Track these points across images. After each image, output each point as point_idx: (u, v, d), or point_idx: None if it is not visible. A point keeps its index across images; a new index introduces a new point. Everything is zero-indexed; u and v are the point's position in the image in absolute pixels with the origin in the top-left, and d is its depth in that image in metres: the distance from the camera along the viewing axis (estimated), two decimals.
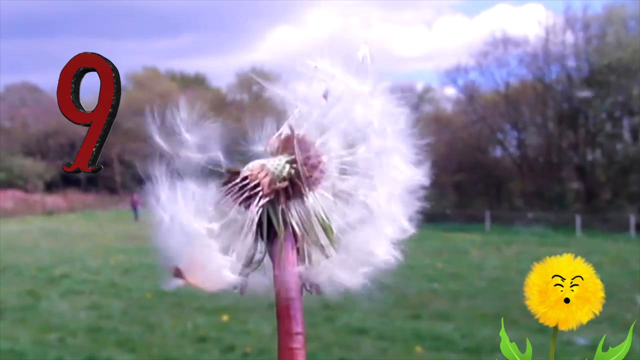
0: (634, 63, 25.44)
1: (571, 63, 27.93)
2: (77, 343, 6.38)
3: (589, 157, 28.35)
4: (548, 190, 27.57)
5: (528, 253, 15.23)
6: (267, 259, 0.71)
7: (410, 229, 0.76)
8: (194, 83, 38.90)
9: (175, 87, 34.06)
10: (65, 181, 31.42)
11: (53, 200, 29.82)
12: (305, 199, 0.70)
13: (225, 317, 7.01)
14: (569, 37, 27.98)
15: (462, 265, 12.57)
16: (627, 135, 27.68)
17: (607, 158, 27.30)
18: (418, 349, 5.92)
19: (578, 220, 22.74)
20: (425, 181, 0.77)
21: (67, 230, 20.01)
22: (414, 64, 63.82)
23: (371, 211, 0.72)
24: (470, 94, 31.44)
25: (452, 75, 32.22)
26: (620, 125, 27.89)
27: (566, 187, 28.59)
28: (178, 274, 0.66)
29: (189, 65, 66.06)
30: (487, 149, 31.50)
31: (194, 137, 0.70)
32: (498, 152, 31.86)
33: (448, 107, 35.73)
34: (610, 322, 7.08)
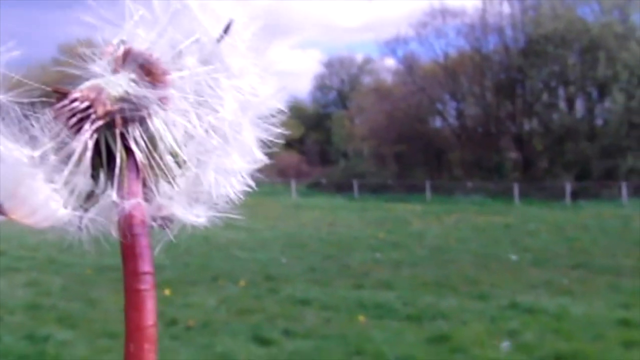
0: (569, 33, 25.95)
1: (508, 34, 28.40)
2: (16, 320, 6.26)
3: (526, 126, 28.93)
4: (487, 160, 28.07)
5: (467, 222, 15.51)
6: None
7: (263, 159, 0.68)
8: None
9: None
10: None
11: None
12: (149, 122, 0.61)
13: (167, 291, 6.96)
14: (506, 8, 28.46)
15: (403, 235, 12.73)
16: (562, 104, 28.33)
17: (543, 127, 27.88)
18: (361, 317, 5.99)
19: (516, 189, 23.24)
20: (281, 105, 0.67)
21: None
22: (354, 34, 64.07)
23: (222, 138, 0.64)
24: (410, 65, 31.68)
25: (391, 45, 32.49)
26: (556, 95, 28.51)
27: (504, 156, 29.16)
28: None
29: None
30: (426, 119, 31.84)
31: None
32: (438, 122, 32.33)
33: (388, 78, 35.95)
34: (547, 287, 7.29)
